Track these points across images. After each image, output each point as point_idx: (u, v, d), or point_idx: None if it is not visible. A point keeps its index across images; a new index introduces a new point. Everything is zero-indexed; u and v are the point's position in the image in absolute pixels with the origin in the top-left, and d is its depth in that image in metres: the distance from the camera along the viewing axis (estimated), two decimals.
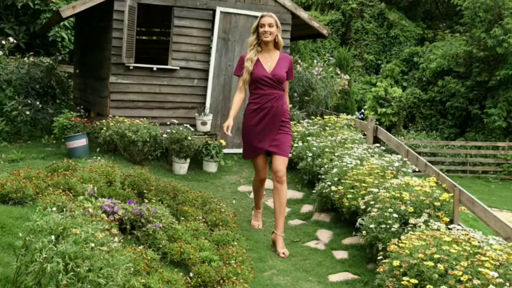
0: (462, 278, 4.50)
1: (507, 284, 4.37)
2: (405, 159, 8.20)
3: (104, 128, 9.50)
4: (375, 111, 24.06)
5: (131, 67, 10.36)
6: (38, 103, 11.60)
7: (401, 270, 4.93)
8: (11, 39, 12.16)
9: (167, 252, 5.47)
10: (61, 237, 3.41)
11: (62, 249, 3.28)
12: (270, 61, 6.60)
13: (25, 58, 13.07)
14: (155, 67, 10.66)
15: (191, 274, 5.14)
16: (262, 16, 6.54)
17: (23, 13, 16.81)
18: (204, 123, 10.60)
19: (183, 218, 6.63)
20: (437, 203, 6.33)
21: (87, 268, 3.28)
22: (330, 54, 25.36)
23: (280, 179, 6.61)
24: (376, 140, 10.14)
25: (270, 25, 6.46)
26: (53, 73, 13.03)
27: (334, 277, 6.22)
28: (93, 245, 3.41)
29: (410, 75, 27.35)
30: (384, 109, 24.14)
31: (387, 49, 29.42)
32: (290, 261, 6.57)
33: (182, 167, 9.71)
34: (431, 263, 4.75)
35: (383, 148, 9.65)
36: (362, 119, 13.03)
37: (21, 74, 12.15)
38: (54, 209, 3.79)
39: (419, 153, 21.35)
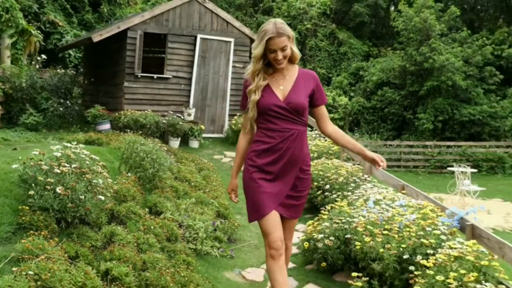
0: (331, 175, 9.03)
1: (343, 174, 8.91)
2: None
3: (123, 116, 13.97)
4: None
5: (139, 76, 15.01)
6: (68, 102, 16.01)
7: None
8: (43, 56, 16.49)
9: (177, 176, 9.88)
10: (143, 144, 7.84)
11: (144, 148, 7.73)
12: (284, 84, 4.41)
13: (58, 70, 17.46)
14: (155, 76, 15.40)
15: (192, 184, 9.59)
16: (269, 39, 4.20)
17: None
18: (189, 115, 15.21)
19: (182, 165, 11.08)
20: (331, 151, 11.00)
21: (155, 156, 7.73)
22: None
23: (286, 248, 4.57)
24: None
25: (283, 49, 4.24)
26: (76, 81, 17.50)
27: None
28: (158, 147, 7.89)
29: (357, 86, 30.75)
30: (332, 115, 27.11)
31: (337, 64, 32.50)
32: None
33: (175, 143, 14.23)
34: (317, 172, 9.30)
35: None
36: None
37: (53, 81, 16.55)
38: (132, 137, 8.25)
39: None
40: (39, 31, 13.04)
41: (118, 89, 15.54)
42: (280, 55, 4.23)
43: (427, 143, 25.96)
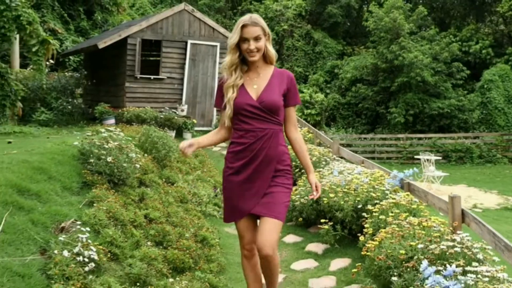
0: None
1: (316, 155, 10.91)
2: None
3: (126, 112, 15.93)
4: (302, 112, 28.18)
5: (138, 77, 17.06)
6: (75, 101, 17.98)
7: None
8: (51, 60, 18.34)
9: (178, 160, 11.77)
10: (155, 131, 9.82)
11: (157, 134, 9.71)
12: (258, 82, 4.31)
13: (66, 73, 19.40)
14: (152, 77, 17.48)
15: (191, 165, 11.56)
16: (243, 26, 4.18)
17: None
18: (182, 110, 17.25)
19: None
20: (306, 138, 13.03)
21: (166, 141, 9.71)
22: None
23: (266, 258, 4.20)
24: None
25: (256, 39, 4.17)
26: (81, 82, 19.47)
27: None
28: (166, 134, 9.88)
29: (332, 83, 32.05)
30: (309, 111, 28.75)
31: (313, 62, 33.74)
32: None
33: (171, 135, 16.18)
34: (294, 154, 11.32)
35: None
36: None
37: (62, 83, 18.50)
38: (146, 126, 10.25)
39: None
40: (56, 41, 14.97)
41: (119, 89, 17.56)
42: (253, 45, 4.13)
43: (399, 135, 27.38)
